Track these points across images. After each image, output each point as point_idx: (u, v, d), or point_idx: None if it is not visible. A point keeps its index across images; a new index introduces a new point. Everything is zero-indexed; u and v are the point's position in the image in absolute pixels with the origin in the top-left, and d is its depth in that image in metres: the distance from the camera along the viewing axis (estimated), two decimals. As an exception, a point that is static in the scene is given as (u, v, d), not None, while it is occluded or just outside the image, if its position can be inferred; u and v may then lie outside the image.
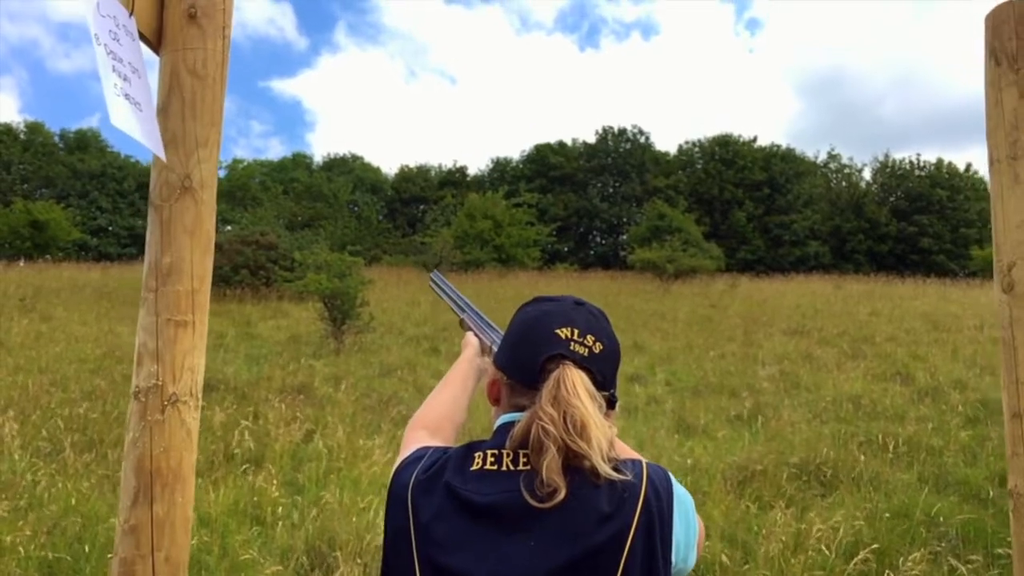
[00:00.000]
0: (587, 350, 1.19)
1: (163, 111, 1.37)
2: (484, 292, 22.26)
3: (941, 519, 5.21)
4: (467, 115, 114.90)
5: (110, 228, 44.61)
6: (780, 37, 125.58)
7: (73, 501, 5.19)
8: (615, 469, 1.10)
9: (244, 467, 6.10)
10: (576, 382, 1.14)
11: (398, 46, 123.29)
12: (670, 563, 1.11)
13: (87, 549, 4.49)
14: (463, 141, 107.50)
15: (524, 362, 1.20)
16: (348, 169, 53.46)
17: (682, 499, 1.15)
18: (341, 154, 56.25)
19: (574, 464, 1.09)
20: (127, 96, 1.20)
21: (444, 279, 1.98)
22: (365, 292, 13.73)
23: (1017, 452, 1.22)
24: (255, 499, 5.41)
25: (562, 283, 27.47)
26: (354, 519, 4.98)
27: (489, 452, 1.16)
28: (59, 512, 5.03)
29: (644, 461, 1.17)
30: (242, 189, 48.55)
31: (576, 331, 1.20)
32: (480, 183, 49.89)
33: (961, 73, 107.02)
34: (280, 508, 5.28)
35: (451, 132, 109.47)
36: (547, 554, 1.06)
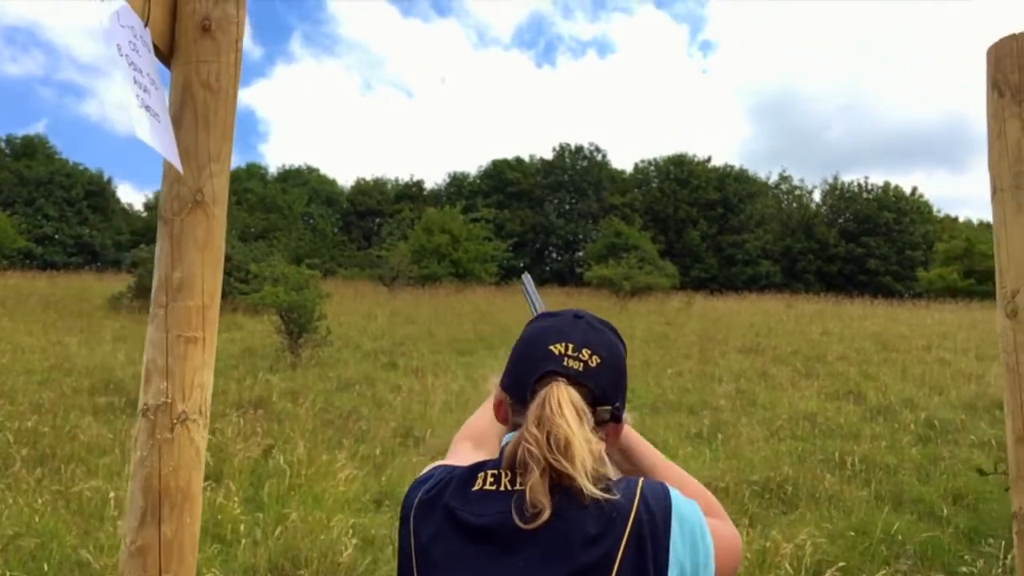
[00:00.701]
0: (582, 364, 1.17)
1: (175, 124, 1.35)
2: (442, 307, 22.21)
3: (900, 537, 5.31)
4: (424, 129, 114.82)
5: (56, 236, 43.52)
6: (733, 60, 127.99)
7: (27, 519, 5.04)
8: (604, 489, 1.08)
9: (204, 483, 5.99)
10: (562, 400, 1.12)
11: (354, 58, 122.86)
12: None
13: (45, 567, 4.36)
14: (420, 155, 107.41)
15: (520, 381, 1.20)
16: (303, 181, 53.02)
17: (686, 517, 1.10)
18: (296, 165, 55.84)
19: (563, 484, 1.07)
20: (147, 108, 1.18)
21: (532, 283, 1.93)
22: (322, 306, 13.61)
23: (1022, 475, 1.25)
24: (216, 516, 5.31)
25: (519, 299, 27.47)
26: (322, 536, 4.91)
27: (490, 472, 1.15)
28: (13, 530, 4.88)
29: (641, 479, 1.14)
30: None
31: (571, 346, 1.18)
32: (437, 197, 49.87)
33: (905, 100, 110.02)
34: (242, 526, 5.19)
35: (408, 145, 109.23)
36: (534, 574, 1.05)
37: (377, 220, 50.59)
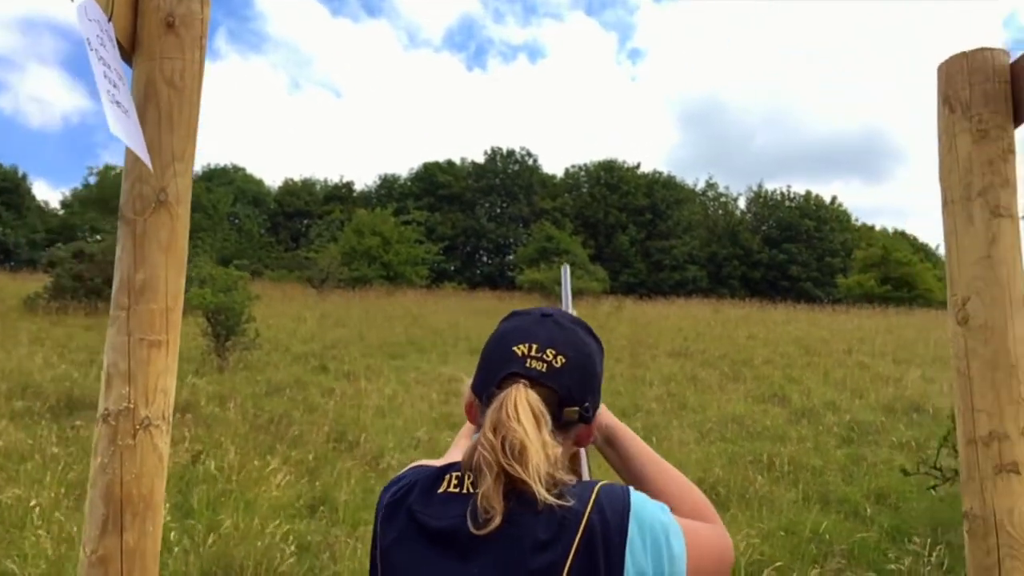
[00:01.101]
0: (545, 365, 1.14)
1: (139, 121, 1.32)
2: (373, 310, 22.00)
3: (827, 536, 5.48)
4: (353, 129, 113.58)
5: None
6: (661, 68, 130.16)
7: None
8: (559, 495, 1.05)
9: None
10: (519, 404, 1.10)
11: (281, 56, 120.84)
12: None
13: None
14: (349, 156, 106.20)
15: (485, 383, 1.18)
16: (229, 180, 51.86)
17: (646, 522, 1.06)
18: (222, 164, 54.57)
19: (518, 489, 1.06)
20: (117, 104, 1.15)
21: (570, 278, 1.89)
22: (251, 308, 13.35)
23: (972, 476, 1.31)
24: (145, 524, 5.16)
25: (451, 302, 27.45)
26: (258, 543, 4.82)
27: (455, 475, 1.14)
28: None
29: (599, 484, 1.10)
30: (114, 198, 46.30)
31: (534, 346, 1.16)
32: (367, 199, 49.39)
33: (826, 112, 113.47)
34: (172, 533, 5.06)
35: (337, 146, 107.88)
36: None
37: (305, 221, 49.87)
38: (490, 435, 1.09)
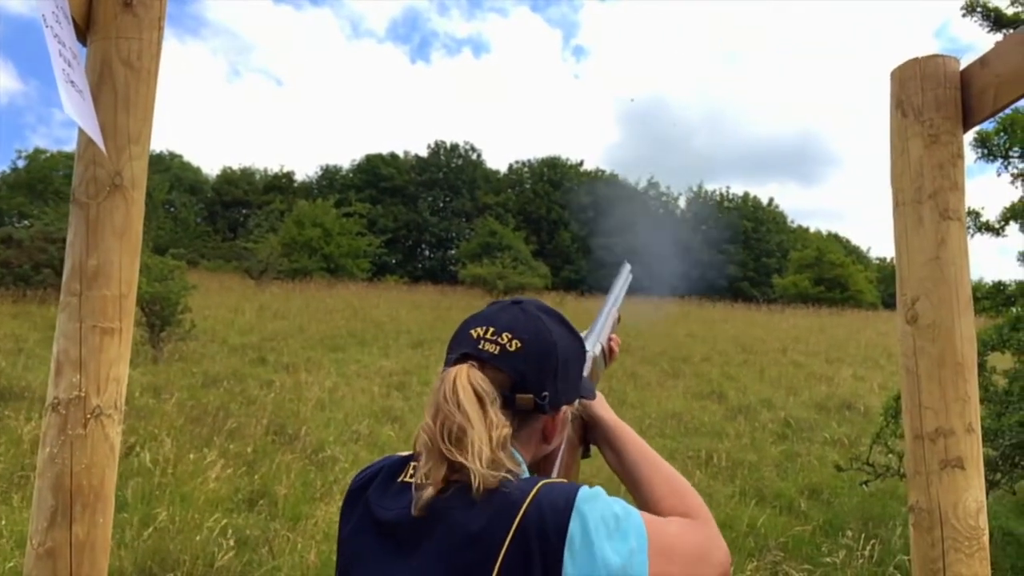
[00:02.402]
0: (499, 348, 1.10)
1: (93, 102, 1.27)
2: (313, 302, 21.73)
3: (763, 530, 5.60)
4: (294, 119, 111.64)
5: None
6: (604, 66, 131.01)
7: None
8: (501, 483, 1.01)
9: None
10: (462, 385, 1.06)
11: (221, 42, 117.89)
12: None
13: None
14: (290, 146, 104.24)
15: (446, 366, 1.15)
16: (165, 167, 50.55)
17: (589, 519, 0.99)
18: (157, 151, 53.20)
19: (459, 477, 1.02)
20: (72, 83, 1.11)
21: (627, 280, 1.83)
22: (187, 298, 13.07)
23: (919, 471, 1.35)
24: (76, 518, 5.02)
25: (393, 295, 27.27)
26: (197, 537, 4.72)
27: (413, 464, 1.11)
28: None
29: (543, 480, 1.05)
30: (43, 182, 44.81)
31: (491, 329, 1.13)
32: (308, 190, 48.68)
33: (763, 114, 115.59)
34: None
35: (277, 135, 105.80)
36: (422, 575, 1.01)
37: (244, 211, 48.92)
38: (429, 420, 1.06)
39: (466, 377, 1.07)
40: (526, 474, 1.11)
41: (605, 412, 1.36)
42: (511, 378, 1.10)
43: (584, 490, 1.03)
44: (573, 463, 1.31)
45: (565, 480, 1.10)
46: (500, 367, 1.10)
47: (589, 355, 1.50)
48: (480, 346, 1.12)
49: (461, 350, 1.13)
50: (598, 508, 1.01)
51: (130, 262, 1.29)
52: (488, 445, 1.02)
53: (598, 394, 1.40)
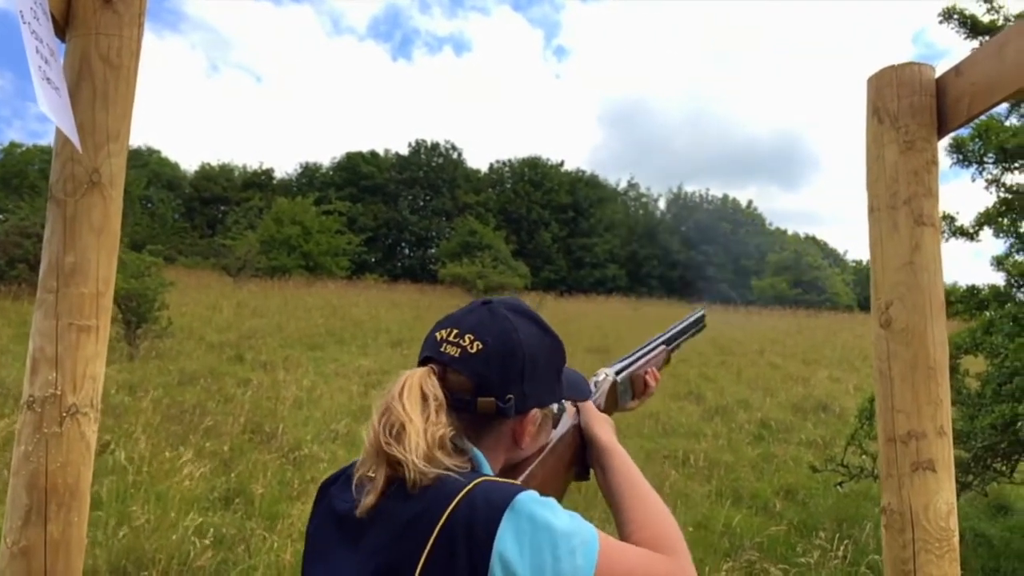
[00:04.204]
0: (460, 350, 1.10)
1: (71, 99, 1.26)
2: (291, 300, 21.63)
3: (739, 530, 5.64)
4: (274, 116, 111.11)
5: None
6: (585, 66, 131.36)
7: None
8: (435, 478, 1.00)
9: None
10: (411, 386, 1.07)
11: (200, 37, 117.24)
12: None
13: None
14: (269, 143, 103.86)
15: None
16: (143, 162, 50.05)
17: (529, 527, 0.96)
18: (135, 146, 52.64)
19: (398, 474, 1.02)
20: (48, 80, 1.11)
21: (695, 326, 1.82)
22: (164, 295, 12.96)
23: (891, 474, 1.37)
24: (49, 516, 4.96)
25: (371, 293, 27.20)
26: (173, 536, 4.69)
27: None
28: None
29: (483, 477, 1.03)
30: (19, 176, 44.23)
31: (454, 332, 1.12)
32: (288, 187, 48.45)
33: (744, 117, 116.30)
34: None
35: (256, 132, 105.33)
36: (361, 569, 1.01)
37: (223, 208, 48.56)
38: (374, 417, 1.07)
39: (417, 380, 1.08)
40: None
41: (603, 433, 1.32)
42: (471, 381, 1.09)
43: (526, 493, 0.99)
44: (556, 479, 1.25)
45: (506, 480, 1.06)
46: (460, 370, 1.10)
47: (608, 378, 1.51)
48: (442, 349, 1.11)
49: (424, 353, 1.14)
50: (538, 515, 0.97)
51: (107, 260, 1.29)
52: (424, 440, 1.02)
53: (601, 416, 1.36)
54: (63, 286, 1.23)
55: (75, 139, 1.21)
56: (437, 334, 1.14)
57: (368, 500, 1.03)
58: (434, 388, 1.08)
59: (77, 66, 1.28)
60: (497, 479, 1.04)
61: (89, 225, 1.26)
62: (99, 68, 1.28)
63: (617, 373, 1.54)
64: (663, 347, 1.68)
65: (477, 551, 0.94)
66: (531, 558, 0.94)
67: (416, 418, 1.03)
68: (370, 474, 1.05)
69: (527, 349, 1.12)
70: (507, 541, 0.94)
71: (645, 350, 1.64)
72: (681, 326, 1.80)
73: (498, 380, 1.10)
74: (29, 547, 1.18)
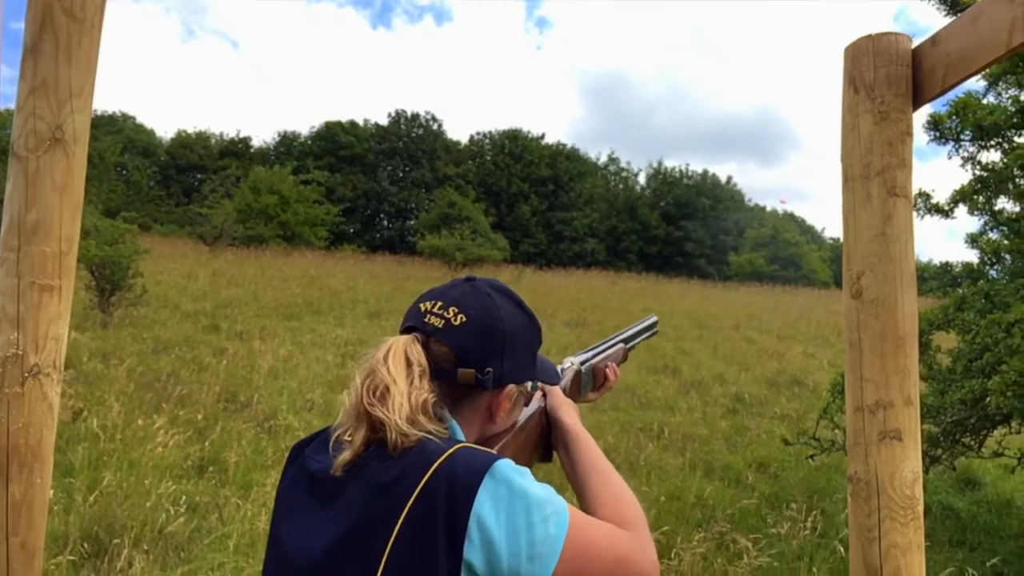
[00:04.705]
0: (444, 322, 1.13)
1: (33, 51, 1.23)
2: (268, 270, 21.49)
3: (711, 502, 5.71)
4: (251, 83, 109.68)
5: None
6: (566, 39, 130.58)
7: None
8: (416, 440, 1.03)
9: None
10: (396, 351, 1.10)
11: (175, 1, 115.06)
12: (459, 560, 0.97)
13: None
14: (246, 110, 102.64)
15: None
16: (117, 128, 49.24)
17: (506, 493, 0.99)
18: (109, 112, 51.80)
19: (379, 435, 1.04)
20: None
21: (648, 330, 1.88)
22: (139, 263, 12.82)
23: (858, 442, 1.38)
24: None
25: (349, 263, 27.08)
26: (147, 503, 4.67)
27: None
28: None
29: (462, 443, 1.06)
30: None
31: (439, 304, 1.15)
32: (265, 156, 47.95)
33: (724, 93, 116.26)
34: (50, 492, 4.85)
35: (233, 99, 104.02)
36: (333, 527, 1.03)
37: (199, 176, 48.01)
38: (357, 379, 1.09)
39: (401, 345, 1.11)
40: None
41: (567, 417, 1.35)
42: (453, 352, 1.13)
43: (503, 461, 1.02)
44: (522, 456, 1.27)
45: (483, 449, 1.08)
46: (443, 341, 1.13)
47: (572, 366, 1.56)
48: (426, 319, 1.15)
49: (408, 323, 1.17)
50: (515, 483, 1.01)
51: (71, 218, 1.26)
52: (408, 403, 1.05)
53: (567, 401, 1.41)
54: (25, 244, 1.21)
55: None
56: (421, 305, 1.17)
57: (344, 456, 1.04)
58: (418, 355, 1.10)
59: (39, 19, 1.25)
60: (476, 446, 1.07)
61: (52, 182, 1.23)
62: (62, 22, 1.25)
63: (582, 363, 1.60)
64: (622, 344, 1.74)
65: (456, 512, 0.96)
66: (507, 522, 0.98)
67: (400, 381, 1.06)
68: (347, 436, 1.07)
69: (507, 326, 1.16)
70: (485, 505, 0.97)
71: (606, 346, 1.71)
72: (638, 328, 1.86)
73: (478, 353, 1.13)
74: (-10, 508, 1.16)
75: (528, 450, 1.33)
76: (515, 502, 0.99)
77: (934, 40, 1.40)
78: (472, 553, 0.97)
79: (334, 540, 1.02)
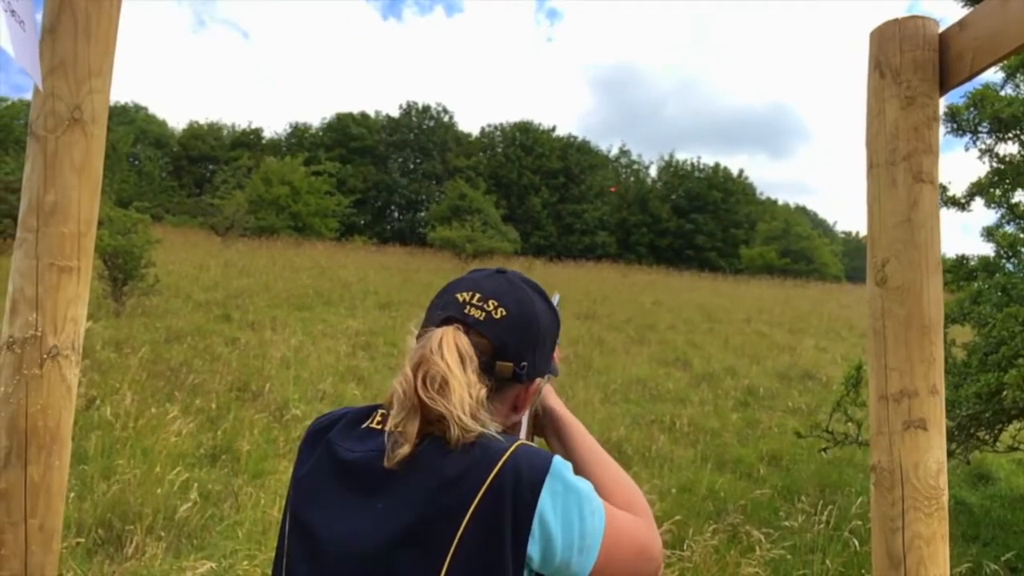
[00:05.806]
0: (484, 314, 1.13)
1: (51, 31, 1.22)
2: (279, 260, 21.52)
3: (722, 494, 5.69)
4: (262, 74, 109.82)
5: None
6: (577, 31, 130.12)
7: None
8: (479, 436, 1.04)
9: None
10: (447, 342, 1.08)
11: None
12: (523, 555, 1.00)
13: None
14: (258, 101, 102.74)
15: (424, 326, 1.17)
16: (129, 119, 49.41)
17: (563, 491, 1.04)
18: (122, 102, 51.95)
19: (434, 429, 1.04)
20: (12, 13, 1.06)
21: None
22: (151, 252, 12.86)
23: (882, 431, 1.36)
24: (34, 469, 4.95)
25: (360, 254, 27.10)
26: (159, 491, 4.69)
27: (381, 412, 1.14)
28: None
29: (521, 441, 1.08)
30: (4, 131, 43.64)
31: (477, 295, 1.15)
32: (276, 147, 48.00)
33: (736, 86, 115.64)
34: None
35: (245, 90, 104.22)
36: (387, 520, 1.02)
37: (211, 167, 48.09)
38: (409, 371, 1.08)
39: (452, 337, 1.09)
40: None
41: (557, 405, 1.37)
42: (493, 345, 1.12)
43: (562, 460, 1.07)
44: None
45: (541, 447, 1.12)
46: (484, 333, 1.12)
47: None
48: (466, 311, 1.14)
49: (447, 313, 1.15)
50: (571, 480, 1.06)
51: (89, 199, 1.25)
52: (470, 397, 1.05)
53: (548, 387, 1.41)
54: (43, 225, 1.20)
55: (37, 78, 1.16)
56: (459, 296, 1.16)
57: (402, 451, 1.03)
58: (467, 347, 1.10)
59: (58, -1, 1.24)
60: (531, 444, 1.09)
61: (71, 163, 1.22)
62: (80, 2, 1.24)
63: None
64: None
65: (522, 510, 1.00)
66: (563, 516, 1.03)
67: (460, 374, 1.06)
68: (399, 428, 1.06)
69: (541, 321, 1.18)
70: (546, 501, 1.02)
71: None
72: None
73: (516, 347, 1.14)
74: (9, 489, 1.16)
75: (523, 438, 1.33)
76: (570, 497, 1.04)
77: (962, 24, 1.38)
78: (532, 547, 1.01)
79: (391, 533, 1.01)
